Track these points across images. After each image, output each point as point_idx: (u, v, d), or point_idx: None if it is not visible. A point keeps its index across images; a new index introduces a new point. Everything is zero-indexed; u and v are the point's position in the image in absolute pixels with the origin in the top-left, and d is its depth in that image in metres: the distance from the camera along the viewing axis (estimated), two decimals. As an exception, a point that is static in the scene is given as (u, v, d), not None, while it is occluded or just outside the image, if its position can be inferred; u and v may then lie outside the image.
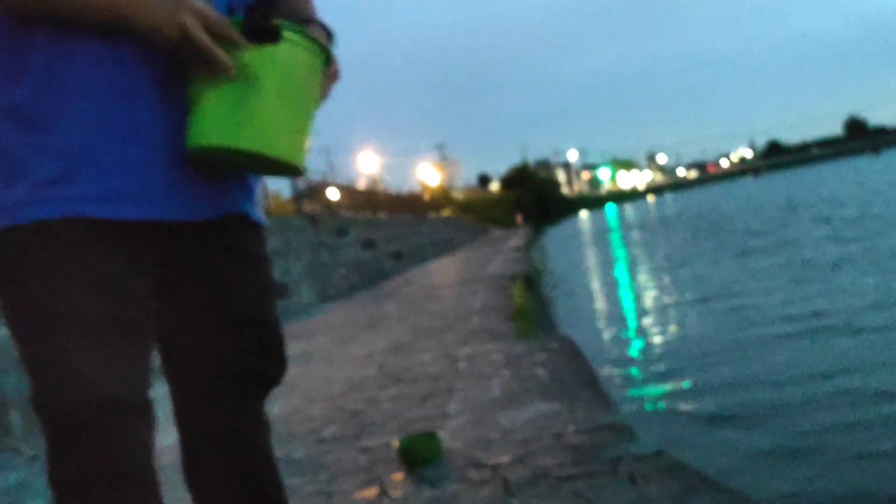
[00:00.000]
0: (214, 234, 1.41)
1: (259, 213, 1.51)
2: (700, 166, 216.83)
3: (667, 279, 12.33)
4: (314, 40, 1.30)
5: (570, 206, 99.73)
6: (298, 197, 19.93)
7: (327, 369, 6.26)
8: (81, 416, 1.23)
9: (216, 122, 1.25)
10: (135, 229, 1.31)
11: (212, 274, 1.43)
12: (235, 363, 1.44)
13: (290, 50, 1.27)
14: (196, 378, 1.45)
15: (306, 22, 1.40)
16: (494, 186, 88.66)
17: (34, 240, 1.26)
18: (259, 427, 1.51)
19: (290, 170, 1.37)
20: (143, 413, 1.30)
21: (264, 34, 1.25)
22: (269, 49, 1.25)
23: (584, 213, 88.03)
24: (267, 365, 1.49)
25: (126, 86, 1.30)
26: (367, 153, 48.24)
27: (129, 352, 1.28)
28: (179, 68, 1.31)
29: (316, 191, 22.97)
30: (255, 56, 1.24)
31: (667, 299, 10.00)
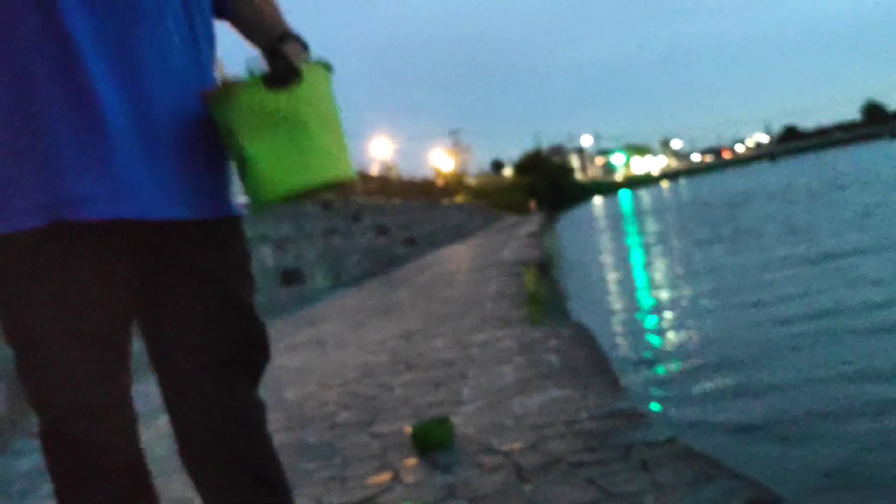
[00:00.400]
0: (196, 229, 1.43)
1: (237, 204, 1.52)
2: (715, 151, 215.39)
3: (681, 266, 12.27)
4: (325, 64, 1.42)
5: (583, 192, 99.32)
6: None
7: (341, 355, 6.29)
8: (55, 421, 1.37)
9: (281, 172, 1.35)
10: (101, 229, 1.33)
11: (194, 267, 1.45)
12: (221, 350, 1.46)
13: (313, 82, 1.37)
14: (184, 367, 1.47)
15: (287, 38, 1.45)
16: (508, 172, 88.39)
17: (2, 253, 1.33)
18: (251, 410, 1.53)
19: (346, 183, 1.48)
20: (116, 415, 1.40)
21: (290, 77, 1.33)
22: (299, 89, 1.34)
23: (597, 199, 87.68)
24: (251, 351, 1.51)
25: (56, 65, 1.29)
26: (380, 139, 48.17)
27: (95, 361, 1.37)
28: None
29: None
30: (289, 100, 1.33)
31: (681, 287, 9.95)
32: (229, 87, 1.35)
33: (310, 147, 1.35)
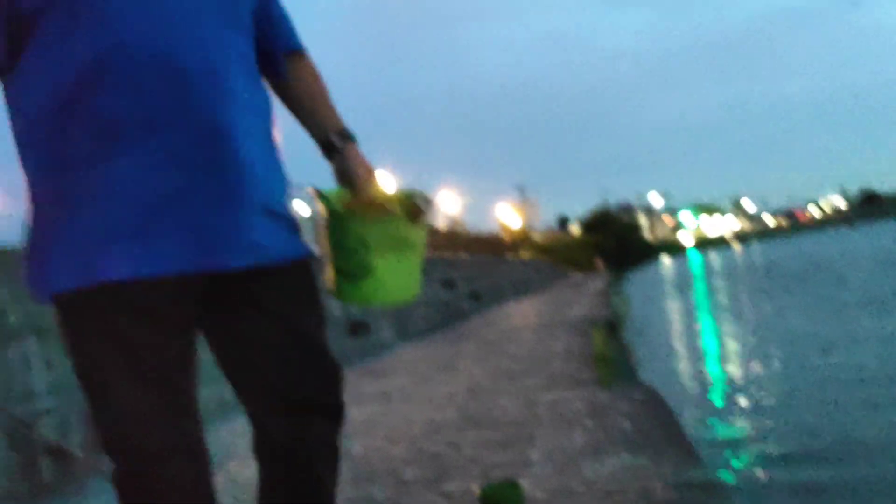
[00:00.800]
0: (267, 273, 1.46)
1: (306, 244, 1.55)
2: (788, 213, 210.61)
3: (753, 331, 11.94)
4: (429, 199, 1.66)
5: (651, 251, 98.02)
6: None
7: (407, 409, 6.27)
8: (125, 464, 1.41)
9: (390, 285, 1.61)
10: (165, 282, 1.37)
11: (264, 309, 1.48)
12: (291, 393, 1.49)
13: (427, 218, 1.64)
14: (255, 410, 1.51)
15: (348, 136, 1.61)
16: (574, 228, 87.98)
17: (71, 308, 1.39)
18: (319, 456, 1.54)
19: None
20: (184, 458, 1.42)
21: (419, 214, 1.60)
22: (423, 224, 1.62)
23: (666, 259, 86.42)
24: (325, 395, 1.53)
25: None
26: (448, 192, 48.61)
27: (162, 406, 1.40)
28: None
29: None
30: (411, 230, 1.61)
31: (752, 352, 9.68)
32: (376, 208, 1.57)
33: (414, 271, 1.64)
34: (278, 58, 1.61)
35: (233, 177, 1.39)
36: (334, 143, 1.58)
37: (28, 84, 1.38)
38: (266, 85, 1.59)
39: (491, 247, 36.02)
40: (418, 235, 1.62)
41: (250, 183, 1.41)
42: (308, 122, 1.64)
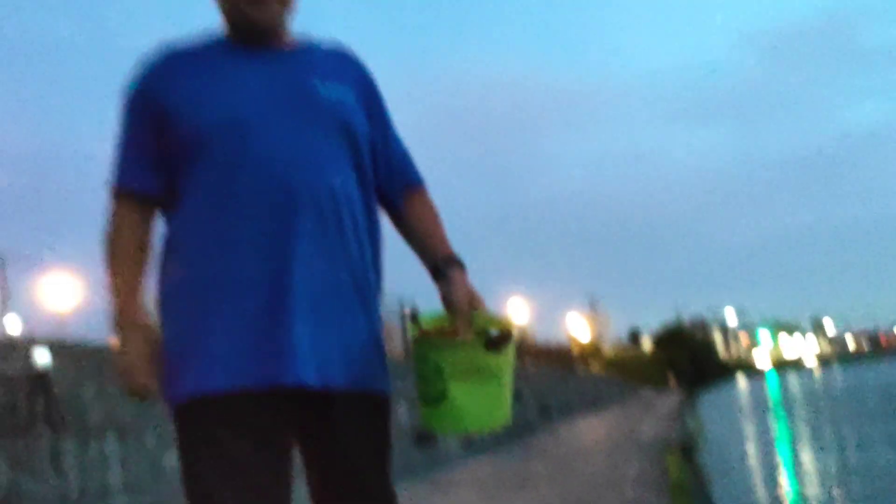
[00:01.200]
0: (351, 400, 1.53)
1: (386, 379, 1.62)
2: (871, 336, 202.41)
3: (832, 462, 11.35)
4: (513, 325, 1.62)
5: (726, 371, 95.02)
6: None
7: (474, 529, 6.09)
8: None
9: (470, 414, 1.57)
10: (257, 395, 1.45)
11: (331, 437, 1.54)
12: None
13: (511, 346, 1.60)
14: None
15: (454, 262, 1.65)
16: (646, 343, 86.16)
17: (179, 417, 1.48)
18: None
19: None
20: None
21: (503, 344, 1.56)
22: (505, 352, 1.57)
23: (742, 380, 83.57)
24: None
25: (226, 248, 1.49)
26: (517, 301, 48.49)
27: None
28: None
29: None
30: (495, 360, 1.57)
31: (831, 483, 9.17)
32: (451, 334, 1.57)
33: (497, 398, 1.58)
34: (396, 193, 1.72)
35: (309, 305, 1.48)
36: (441, 268, 1.63)
37: (184, 218, 1.53)
38: (382, 215, 1.71)
39: (560, 358, 35.50)
40: (500, 363, 1.57)
41: (331, 313, 1.51)
42: (419, 250, 1.71)
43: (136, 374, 1.46)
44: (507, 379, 1.60)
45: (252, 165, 1.48)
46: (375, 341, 1.60)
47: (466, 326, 1.58)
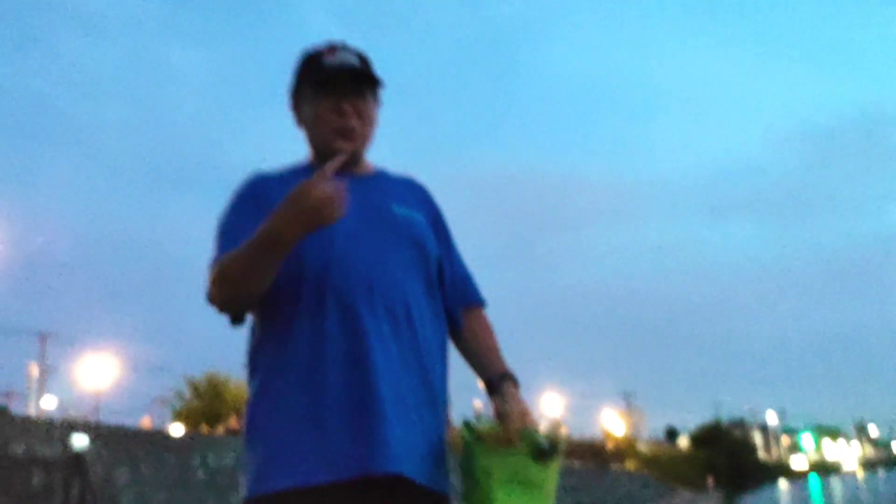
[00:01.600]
0: (422, 498, 1.61)
1: (444, 479, 1.70)
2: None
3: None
4: (562, 439, 1.68)
5: (767, 473, 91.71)
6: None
7: None
8: None
9: None
10: (321, 490, 1.53)
11: None
12: None
13: (557, 460, 1.65)
14: None
15: (508, 378, 1.76)
16: (683, 441, 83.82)
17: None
18: None
19: None
20: None
21: (552, 457, 1.62)
22: (550, 465, 1.63)
23: (783, 483, 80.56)
24: None
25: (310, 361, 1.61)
26: (551, 394, 47.78)
27: None
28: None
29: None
30: (543, 472, 1.63)
31: None
32: (503, 443, 1.63)
33: None
34: (458, 309, 1.87)
35: (393, 403, 1.59)
36: (496, 383, 1.76)
37: (275, 313, 1.67)
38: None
39: (594, 454, 34.69)
40: (546, 475, 1.63)
41: (411, 411, 1.62)
42: (475, 364, 1.85)
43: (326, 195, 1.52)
44: (551, 489, 1.65)
45: (335, 267, 1.63)
46: (443, 442, 1.71)
47: (518, 438, 1.65)
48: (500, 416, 1.69)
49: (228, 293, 1.62)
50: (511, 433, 1.65)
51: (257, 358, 1.69)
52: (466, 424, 1.69)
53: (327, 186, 1.52)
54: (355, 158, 1.79)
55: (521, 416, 1.66)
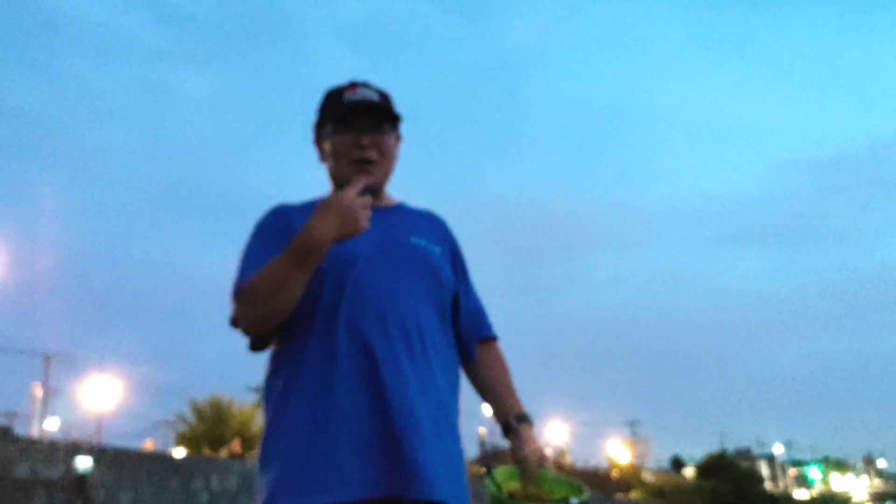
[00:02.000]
0: None
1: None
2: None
3: None
4: (586, 490, 1.70)
5: (774, 503, 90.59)
6: (484, 459, 19.84)
7: None
8: None
9: None
10: None
11: None
12: None
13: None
14: None
15: (524, 419, 1.80)
16: (689, 472, 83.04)
17: None
18: None
19: None
20: None
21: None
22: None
23: (790, 515, 79.45)
24: None
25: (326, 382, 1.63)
26: (555, 422, 47.45)
27: None
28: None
29: (500, 455, 22.79)
30: None
31: None
32: (536, 499, 1.66)
33: None
34: (471, 342, 1.89)
35: (417, 426, 1.61)
36: (512, 424, 1.80)
37: (294, 339, 1.71)
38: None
39: (598, 483, 34.39)
40: None
41: (434, 434, 1.63)
42: (491, 403, 1.88)
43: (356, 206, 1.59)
44: None
45: (349, 294, 1.66)
46: (462, 464, 1.72)
47: (533, 482, 1.70)
48: (518, 460, 1.72)
49: (257, 311, 1.63)
50: (528, 479, 1.69)
51: (272, 384, 1.72)
52: (491, 477, 1.71)
53: (357, 198, 1.59)
54: (376, 191, 1.83)
55: (537, 458, 1.71)
